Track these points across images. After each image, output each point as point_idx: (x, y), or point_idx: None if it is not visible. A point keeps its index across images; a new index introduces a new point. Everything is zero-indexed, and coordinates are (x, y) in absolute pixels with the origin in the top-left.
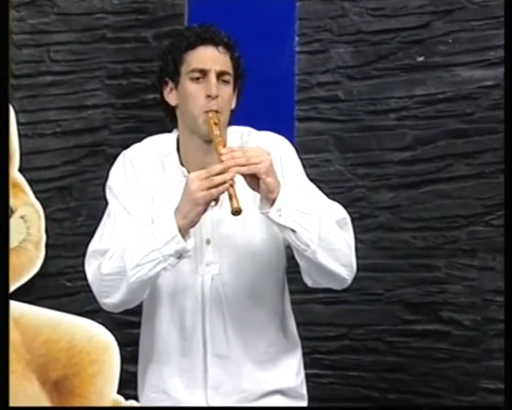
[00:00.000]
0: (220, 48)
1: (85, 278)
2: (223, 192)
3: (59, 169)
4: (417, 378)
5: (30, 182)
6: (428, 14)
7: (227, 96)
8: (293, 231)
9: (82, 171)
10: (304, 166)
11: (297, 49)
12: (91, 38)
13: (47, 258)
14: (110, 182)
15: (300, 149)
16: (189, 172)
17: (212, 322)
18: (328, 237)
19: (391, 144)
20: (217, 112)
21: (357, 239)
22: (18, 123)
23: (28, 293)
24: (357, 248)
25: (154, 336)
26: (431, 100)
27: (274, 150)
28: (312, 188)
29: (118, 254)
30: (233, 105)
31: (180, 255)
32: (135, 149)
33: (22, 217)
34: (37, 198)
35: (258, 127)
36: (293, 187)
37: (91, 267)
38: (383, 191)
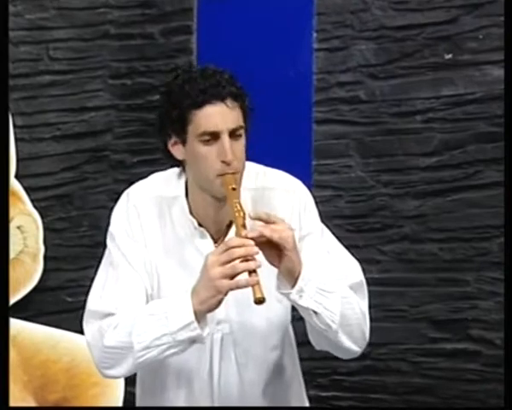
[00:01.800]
0: (229, 102)
1: (87, 294)
2: (251, 285)
3: (58, 176)
4: (445, 402)
5: (27, 190)
6: (457, 7)
7: (241, 151)
8: (315, 312)
9: (83, 178)
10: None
11: (315, 46)
12: (93, 35)
13: (45, 271)
14: (112, 229)
15: (319, 155)
16: (199, 224)
17: (222, 384)
18: (348, 313)
19: (416, 149)
20: (234, 173)
21: (379, 251)
22: (14, 126)
23: (25, 309)
24: (370, 317)
25: (157, 398)
26: (459, 101)
27: (299, 198)
28: (329, 240)
29: (124, 328)
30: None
31: (194, 341)
32: (139, 190)
33: (19, 227)
34: (35, 207)
35: (274, 130)
36: (312, 247)
37: (90, 329)
38: (408, 200)
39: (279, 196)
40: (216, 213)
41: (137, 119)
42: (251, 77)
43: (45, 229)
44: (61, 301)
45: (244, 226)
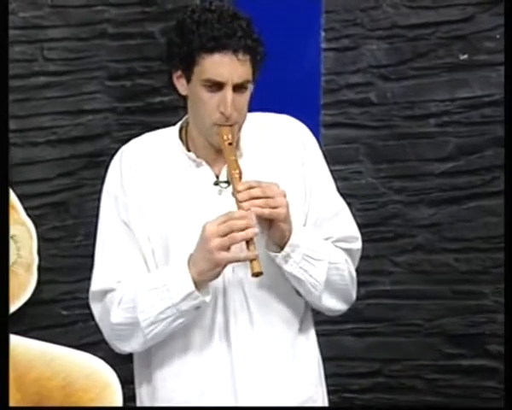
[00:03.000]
0: (240, 54)
1: (83, 306)
2: (250, 258)
3: (53, 182)
4: None
5: (20, 197)
6: (473, 5)
7: (244, 104)
8: (299, 278)
9: (80, 184)
10: (325, 157)
11: (323, 45)
12: (90, 34)
13: (40, 283)
14: (105, 189)
15: (327, 160)
16: (197, 156)
17: (236, 317)
18: (335, 279)
19: (430, 154)
20: (231, 125)
21: (391, 262)
22: (7, 130)
23: (18, 323)
24: (358, 279)
25: (167, 340)
26: (476, 103)
27: (296, 137)
28: (331, 194)
29: (127, 302)
30: (251, 91)
31: (198, 308)
32: (132, 145)
33: (12, 237)
34: (29, 215)
35: None
36: (314, 192)
37: (97, 310)
38: (422, 207)
39: (279, 133)
40: (213, 149)
41: (137, 122)
42: (258, 79)
43: (39, 238)
44: (56, 314)
45: (240, 190)
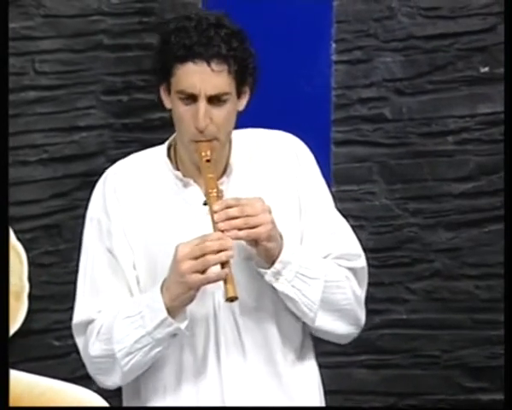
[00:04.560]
0: (214, 64)
1: None
2: (222, 278)
3: (45, 204)
4: None
5: (10, 219)
6: (494, 15)
7: (222, 118)
8: (291, 298)
9: (73, 206)
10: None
11: (334, 58)
12: (85, 46)
13: (31, 312)
14: (88, 215)
15: (338, 180)
16: (184, 175)
17: (228, 348)
18: (334, 298)
19: (449, 173)
20: (210, 141)
21: (407, 289)
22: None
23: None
24: (366, 302)
25: (157, 372)
26: (497, 119)
27: (289, 151)
28: (329, 210)
29: (104, 334)
30: (241, 107)
31: (175, 335)
32: (116, 168)
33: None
34: (19, 239)
35: None
36: (309, 207)
37: (79, 343)
38: (439, 231)
39: (271, 148)
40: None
41: (135, 140)
42: (262, 92)
43: (30, 264)
44: (48, 345)
45: (216, 211)
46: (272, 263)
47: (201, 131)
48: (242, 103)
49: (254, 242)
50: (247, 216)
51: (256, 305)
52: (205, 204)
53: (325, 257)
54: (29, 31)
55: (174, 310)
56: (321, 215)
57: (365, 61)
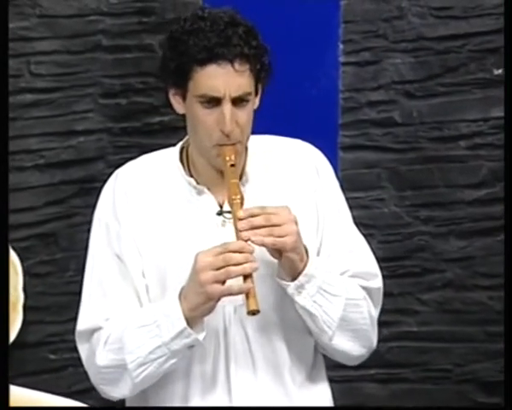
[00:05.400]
0: (237, 64)
1: (74, 350)
2: (245, 292)
3: (41, 211)
4: None
5: None
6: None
7: (246, 119)
8: (312, 313)
9: (70, 213)
10: (342, 189)
11: (342, 59)
12: (83, 47)
13: (25, 324)
14: (96, 218)
15: (346, 186)
16: (197, 182)
17: (237, 363)
18: (353, 318)
19: (461, 180)
20: (233, 144)
21: (418, 300)
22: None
23: None
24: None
25: (165, 385)
26: None
27: (308, 162)
28: (347, 226)
29: (114, 343)
30: (256, 106)
31: (192, 347)
32: (128, 169)
33: None
34: (14, 248)
35: None
36: (328, 222)
37: (83, 351)
38: (451, 239)
39: (289, 158)
40: (219, 175)
41: (134, 144)
42: (267, 95)
43: (26, 274)
44: (43, 358)
45: (241, 218)
46: (295, 276)
47: (227, 135)
48: (257, 101)
49: (278, 253)
50: (273, 226)
51: (268, 320)
52: (219, 214)
53: (342, 273)
54: (24, 31)
55: (192, 321)
56: (339, 231)
57: (374, 62)
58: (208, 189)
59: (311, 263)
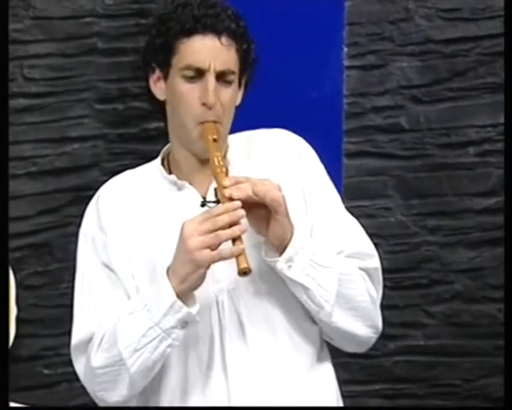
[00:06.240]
0: (224, 38)
1: (68, 364)
2: (236, 255)
3: (35, 220)
4: None
5: None
6: None
7: (228, 99)
8: (306, 287)
9: (65, 223)
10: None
11: (346, 63)
12: (78, 50)
13: (18, 337)
14: (82, 231)
15: (350, 194)
16: (178, 178)
17: (233, 350)
18: (349, 294)
19: (470, 188)
20: (215, 122)
21: (425, 312)
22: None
23: None
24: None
25: (163, 385)
26: None
27: (290, 146)
28: (337, 207)
29: (108, 340)
30: (238, 101)
31: (185, 324)
32: (110, 183)
33: None
34: None
35: None
36: (316, 204)
37: (80, 364)
38: (460, 250)
39: (270, 144)
40: (200, 167)
41: (130, 151)
42: (268, 100)
43: (18, 286)
44: (37, 373)
45: (226, 186)
46: (283, 249)
47: (210, 108)
48: (240, 96)
49: (267, 222)
50: (259, 190)
51: (265, 311)
52: (203, 205)
53: (337, 254)
54: (17, 34)
55: (183, 294)
56: (329, 213)
57: (380, 66)
58: (190, 183)
59: (298, 235)
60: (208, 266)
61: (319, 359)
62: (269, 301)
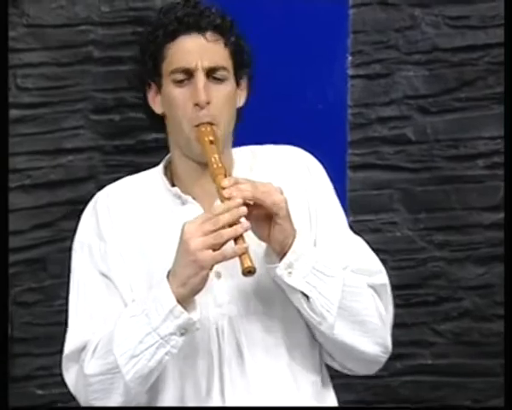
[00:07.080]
0: (208, 34)
1: (63, 384)
2: (239, 254)
3: (28, 235)
4: None
5: None
6: None
7: (223, 98)
8: (306, 296)
9: (59, 237)
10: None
11: (350, 72)
12: (73, 58)
13: (11, 356)
14: (78, 238)
15: (355, 208)
16: (182, 191)
17: (233, 382)
18: (354, 307)
19: (479, 202)
20: (211, 124)
21: (432, 330)
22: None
23: None
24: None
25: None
26: None
27: (299, 161)
28: (343, 225)
29: (103, 346)
30: (240, 103)
31: (184, 331)
32: (108, 189)
33: None
34: None
35: None
36: (321, 219)
37: (71, 374)
38: (469, 266)
39: (277, 158)
40: (202, 178)
41: (127, 163)
42: (270, 110)
43: (12, 303)
44: (30, 394)
45: (225, 187)
46: (283, 255)
47: (202, 107)
48: (241, 98)
49: (268, 226)
50: (261, 192)
51: (265, 335)
52: None
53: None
54: (11, 42)
55: (183, 299)
56: (334, 230)
57: (385, 75)
58: (193, 198)
59: (300, 240)
60: (211, 268)
61: (320, 387)
62: (270, 329)
